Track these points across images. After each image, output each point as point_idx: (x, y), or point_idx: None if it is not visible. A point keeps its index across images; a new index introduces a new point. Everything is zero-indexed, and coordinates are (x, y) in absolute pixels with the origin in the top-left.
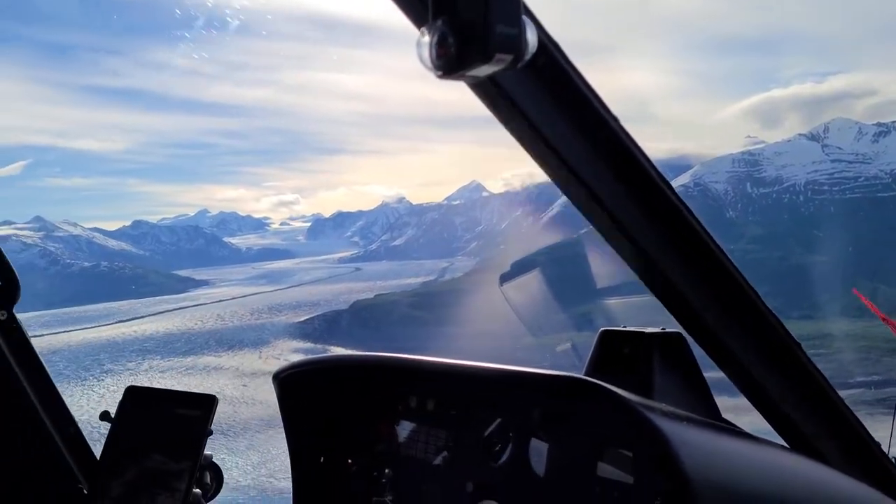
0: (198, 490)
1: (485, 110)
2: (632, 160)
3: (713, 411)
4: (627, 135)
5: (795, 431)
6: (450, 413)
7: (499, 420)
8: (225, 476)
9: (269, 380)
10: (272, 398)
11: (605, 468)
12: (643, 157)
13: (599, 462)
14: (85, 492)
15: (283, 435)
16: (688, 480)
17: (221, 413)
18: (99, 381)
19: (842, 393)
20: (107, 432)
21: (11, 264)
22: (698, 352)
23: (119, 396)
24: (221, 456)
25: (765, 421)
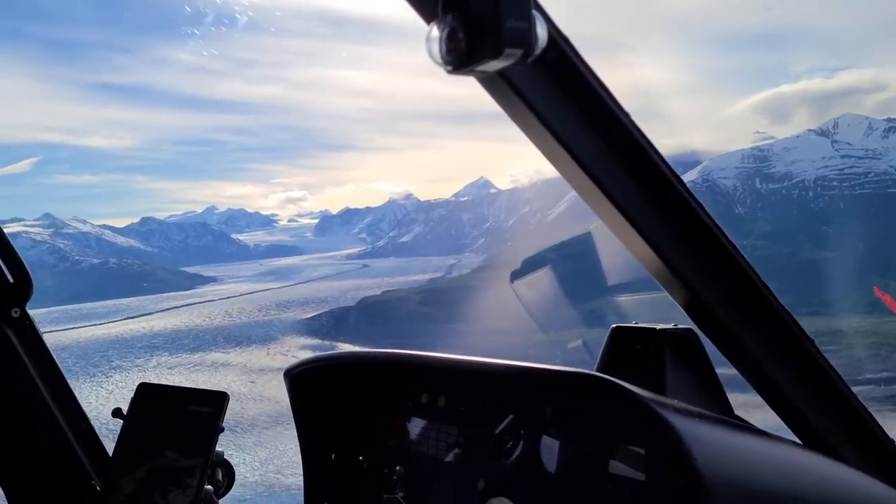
0: (209, 487)
1: (493, 106)
2: (643, 155)
3: (725, 408)
4: (639, 130)
5: (808, 428)
6: (461, 410)
7: (510, 417)
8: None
9: (277, 376)
10: (280, 394)
11: (617, 465)
12: (654, 152)
13: (611, 459)
14: (98, 488)
15: (291, 431)
16: (700, 477)
17: (229, 409)
18: (107, 377)
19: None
20: (117, 428)
21: (24, 262)
22: (710, 348)
23: (127, 393)
24: (229, 452)
25: (777, 417)
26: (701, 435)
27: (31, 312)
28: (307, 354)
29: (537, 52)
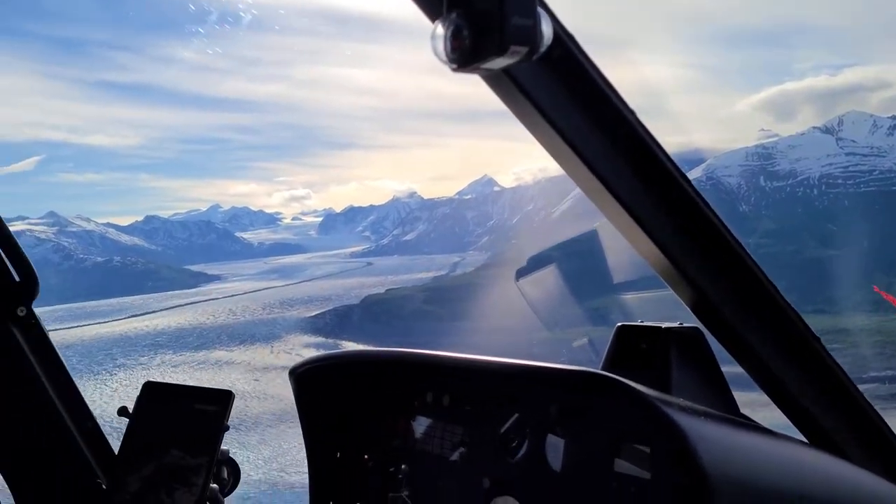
0: (215, 485)
1: (498, 104)
2: (648, 153)
3: (731, 406)
4: (644, 128)
5: (815, 426)
6: (466, 408)
7: (515, 415)
8: None
9: (281, 374)
10: (284, 393)
11: (623, 463)
12: (660, 149)
13: (617, 457)
14: (104, 487)
15: (295, 429)
16: (706, 476)
17: (233, 407)
18: (112, 375)
19: None
20: (121, 427)
21: (30, 260)
22: (716, 347)
23: (131, 391)
24: (233, 450)
25: (782, 416)
26: (706, 433)
27: (36, 311)
28: (311, 353)
29: (542, 49)
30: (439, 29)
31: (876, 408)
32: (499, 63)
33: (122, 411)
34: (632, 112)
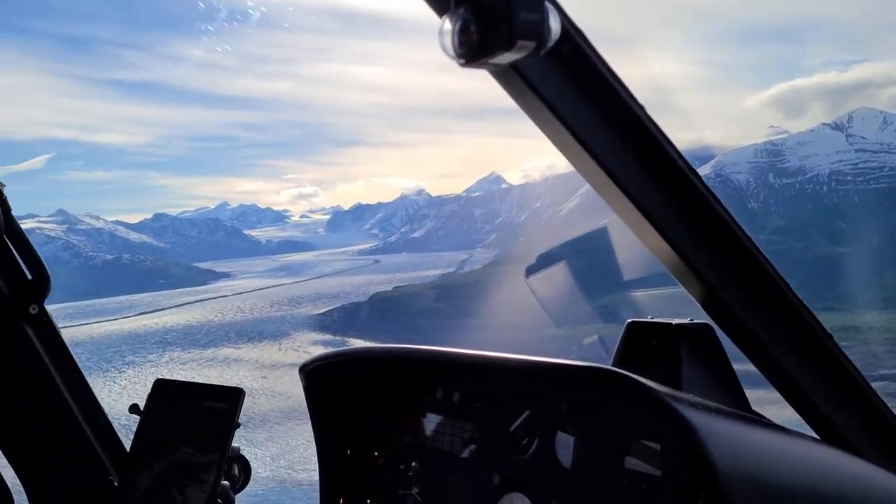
0: (226, 482)
1: (505, 101)
2: (658, 149)
3: (742, 403)
4: (654, 123)
5: (827, 423)
6: (476, 405)
7: (526, 412)
8: None
9: (289, 371)
10: (292, 390)
11: (633, 460)
12: (670, 145)
13: (627, 454)
14: (115, 484)
15: (304, 427)
16: (717, 473)
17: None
18: (121, 372)
19: None
20: (131, 423)
21: (42, 258)
22: (727, 343)
23: (140, 388)
24: (241, 447)
25: (794, 413)
26: (717, 430)
27: (47, 308)
28: (319, 350)
29: (550, 44)
30: (447, 24)
31: (889, 405)
32: (507, 58)
33: (134, 408)
34: (641, 107)
